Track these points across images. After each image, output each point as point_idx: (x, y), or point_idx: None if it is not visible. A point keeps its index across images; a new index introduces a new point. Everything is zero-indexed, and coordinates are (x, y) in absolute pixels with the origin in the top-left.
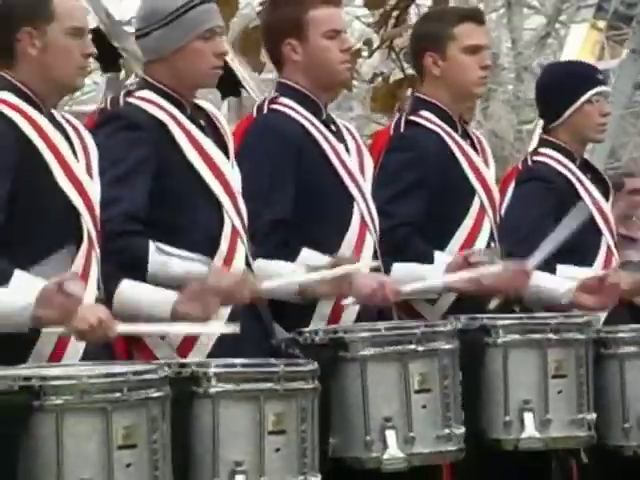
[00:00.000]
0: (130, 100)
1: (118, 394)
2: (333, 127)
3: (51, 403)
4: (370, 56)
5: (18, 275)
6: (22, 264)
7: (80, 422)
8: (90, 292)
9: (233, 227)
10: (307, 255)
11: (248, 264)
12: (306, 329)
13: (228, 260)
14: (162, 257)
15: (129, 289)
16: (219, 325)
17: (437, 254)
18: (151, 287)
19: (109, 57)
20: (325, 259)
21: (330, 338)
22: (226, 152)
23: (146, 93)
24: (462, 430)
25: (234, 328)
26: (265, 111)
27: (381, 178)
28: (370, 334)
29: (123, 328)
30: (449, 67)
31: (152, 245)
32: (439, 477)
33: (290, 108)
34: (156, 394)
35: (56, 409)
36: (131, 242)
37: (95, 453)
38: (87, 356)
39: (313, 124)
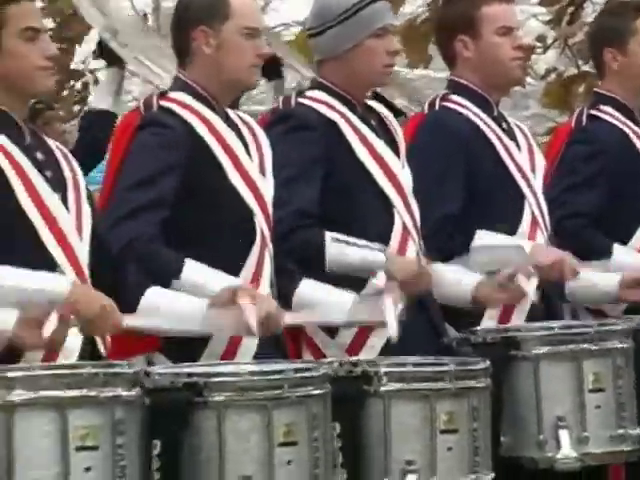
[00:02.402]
0: (302, 100)
1: (279, 391)
2: (504, 125)
3: (213, 400)
4: (544, 52)
5: (190, 266)
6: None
7: (241, 419)
8: (262, 291)
9: (404, 226)
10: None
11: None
12: (478, 327)
13: None
14: (339, 246)
15: (308, 290)
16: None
17: (616, 247)
18: (328, 288)
19: None
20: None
21: (502, 337)
22: (397, 152)
23: (317, 93)
24: (637, 431)
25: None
26: (437, 108)
27: (560, 170)
28: (543, 333)
29: (289, 319)
30: (629, 62)
31: (328, 235)
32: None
33: (461, 105)
34: (316, 391)
35: (218, 406)
36: (306, 235)
37: (256, 450)
38: (259, 356)
39: (484, 121)
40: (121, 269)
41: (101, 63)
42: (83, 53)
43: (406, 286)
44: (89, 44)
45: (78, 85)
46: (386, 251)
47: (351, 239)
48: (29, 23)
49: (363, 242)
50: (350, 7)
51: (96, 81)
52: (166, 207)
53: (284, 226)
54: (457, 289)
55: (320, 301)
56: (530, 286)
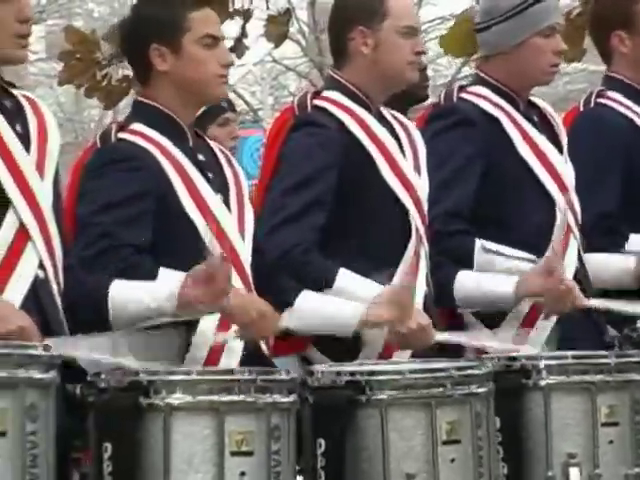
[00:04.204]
0: (463, 95)
1: (442, 389)
2: None
3: (376, 398)
4: None
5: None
6: (350, 264)
7: (405, 417)
8: (419, 288)
9: (565, 222)
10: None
11: (580, 259)
12: None
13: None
14: (487, 256)
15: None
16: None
17: None
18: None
19: None
20: None
21: None
22: (559, 148)
23: (479, 88)
24: None
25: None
26: (592, 104)
27: None
28: None
29: (440, 337)
30: None
31: (478, 243)
32: None
33: (617, 102)
34: (479, 390)
35: (381, 404)
36: (456, 241)
37: (420, 448)
38: (417, 355)
39: None
40: (275, 277)
41: (244, 59)
42: None
43: (550, 304)
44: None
45: None
46: (537, 262)
47: (502, 249)
48: (210, 30)
49: (514, 252)
50: (518, 4)
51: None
52: (324, 209)
53: (436, 227)
54: (619, 270)
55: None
56: None
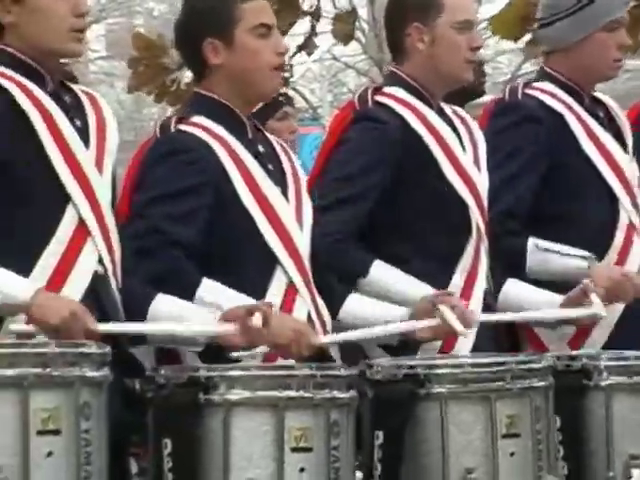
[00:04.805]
0: (528, 91)
1: (501, 383)
2: None
3: (435, 391)
4: None
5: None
6: (409, 262)
7: (463, 410)
8: (479, 285)
9: (629, 221)
10: None
11: None
12: None
13: (621, 255)
14: (540, 254)
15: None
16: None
17: None
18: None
19: None
20: None
21: None
22: (624, 146)
23: (544, 84)
24: None
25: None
26: None
27: None
28: None
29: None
30: None
31: (531, 242)
32: None
33: None
34: (539, 383)
35: (440, 397)
36: (507, 243)
37: (479, 442)
38: (476, 350)
39: None
40: (326, 277)
41: (304, 58)
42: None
43: (611, 295)
44: (294, 38)
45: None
46: (591, 259)
47: (555, 246)
48: (263, 19)
49: (568, 249)
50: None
51: (291, 75)
52: (369, 201)
53: (493, 226)
54: None
55: (527, 300)
56: None
